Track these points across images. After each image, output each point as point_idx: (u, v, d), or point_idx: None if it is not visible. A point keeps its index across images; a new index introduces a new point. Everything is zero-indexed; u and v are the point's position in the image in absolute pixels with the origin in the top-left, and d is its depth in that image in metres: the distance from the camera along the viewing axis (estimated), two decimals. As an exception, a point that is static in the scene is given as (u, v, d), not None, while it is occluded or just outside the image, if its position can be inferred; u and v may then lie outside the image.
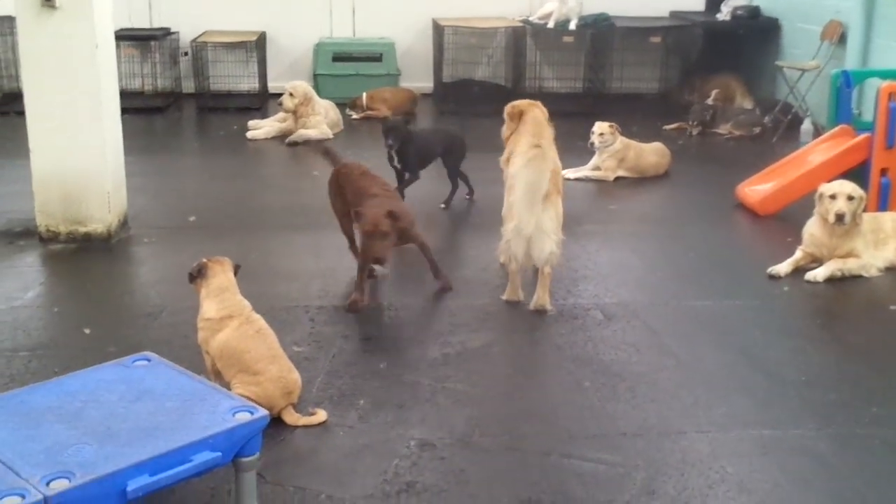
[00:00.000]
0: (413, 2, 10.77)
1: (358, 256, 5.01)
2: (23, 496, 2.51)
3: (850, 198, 5.42)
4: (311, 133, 8.69)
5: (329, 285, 5.13)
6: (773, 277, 5.42)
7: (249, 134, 8.85)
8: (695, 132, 9.21)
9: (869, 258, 5.50)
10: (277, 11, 10.66)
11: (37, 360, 4.23)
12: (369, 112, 9.72)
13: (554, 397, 4.06)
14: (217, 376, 3.69)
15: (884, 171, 6.32)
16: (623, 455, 3.54)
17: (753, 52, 10.40)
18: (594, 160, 7.63)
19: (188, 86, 10.36)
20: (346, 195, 5.15)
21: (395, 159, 6.46)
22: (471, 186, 6.77)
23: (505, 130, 5.45)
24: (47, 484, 2.57)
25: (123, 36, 9.34)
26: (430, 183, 6.76)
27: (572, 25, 10.02)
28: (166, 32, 10.33)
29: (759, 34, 10.33)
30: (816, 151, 6.98)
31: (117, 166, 6.02)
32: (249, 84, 10.38)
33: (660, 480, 3.38)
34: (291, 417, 3.68)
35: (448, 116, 9.70)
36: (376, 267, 5.06)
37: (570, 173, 7.36)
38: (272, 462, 3.39)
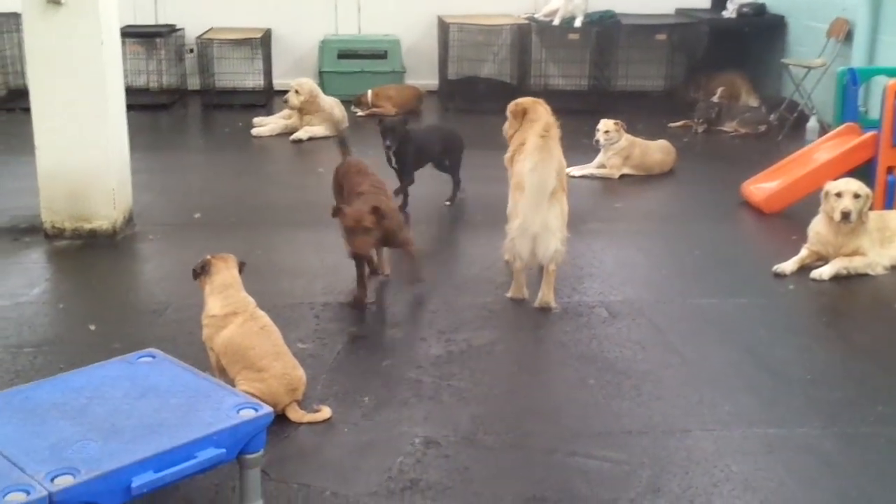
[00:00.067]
0: (418, -1, 10.78)
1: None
2: (27, 492, 2.52)
3: (857, 196, 5.40)
4: (316, 130, 8.70)
5: (333, 282, 5.13)
6: (778, 275, 5.40)
7: (254, 131, 8.86)
8: (700, 130, 9.19)
9: (875, 256, 5.49)
10: (283, 8, 10.66)
11: (42, 356, 4.24)
12: (374, 109, 9.71)
13: (558, 395, 4.06)
14: (222, 373, 3.69)
15: (890, 169, 6.31)
16: (628, 453, 3.53)
17: (759, 49, 10.38)
18: (599, 158, 7.62)
19: (193, 83, 10.37)
20: (343, 192, 5.16)
21: (394, 160, 6.36)
22: (455, 192, 6.66)
23: (507, 128, 5.45)
24: (52, 480, 2.58)
25: (129, 33, 9.35)
26: (433, 182, 6.74)
27: (578, 23, 10.02)
28: (172, 29, 10.33)
29: (764, 32, 10.31)
30: (822, 149, 6.97)
31: (122, 163, 6.03)
32: (254, 81, 10.39)
33: (665, 478, 3.37)
34: (296, 414, 3.68)
35: (453, 113, 9.69)
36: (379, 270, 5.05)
37: (576, 171, 7.35)
38: (276, 459, 3.39)
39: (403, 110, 9.65)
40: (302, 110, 8.78)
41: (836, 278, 5.36)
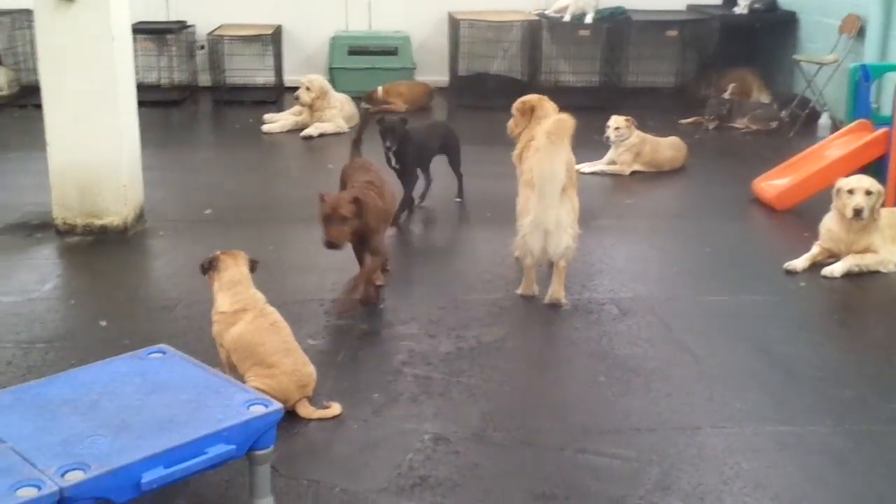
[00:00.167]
0: (429, -4, 10.78)
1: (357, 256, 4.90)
2: (38, 487, 2.52)
3: (869, 193, 5.38)
4: (327, 126, 8.71)
5: (344, 279, 5.13)
6: (789, 273, 5.38)
7: (265, 127, 8.86)
8: (711, 126, 9.16)
9: (887, 254, 5.46)
10: (293, 5, 10.66)
11: (53, 351, 4.26)
12: (385, 106, 9.69)
13: (568, 392, 4.06)
14: (232, 369, 3.70)
15: (902, 166, 6.28)
16: (638, 450, 3.52)
17: (771, 45, 10.34)
18: (610, 154, 7.60)
19: (204, 79, 10.39)
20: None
21: (394, 161, 6.20)
22: (425, 194, 6.51)
23: (512, 125, 5.45)
24: (63, 475, 2.58)
25: (140, 29, 9.34)
26: (440, 179, 6.71)
27: (588, 19, 9.99)
28: (182, 26, 10.35)
29: (776, 28, 10.26)
30: (834, 146, 6.94)
31: (133, 159, 6.04)
32: (265, 77, 10.39)
33: (674, 476, 3.37)
34: (306, 410, 3.68)
35: (464, 110, 9.68)
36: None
37: (586, 167, 7.34)
38: (286, 455, 3.40)
39: (414, 107, 9.66)
40: (312, 107, 8.78)
41: (848, 275, 5.34)
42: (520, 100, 5.43)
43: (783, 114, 9.18)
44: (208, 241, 5.35)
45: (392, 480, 3.31)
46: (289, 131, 8.80)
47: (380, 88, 9.85)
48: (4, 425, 2.84)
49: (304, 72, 9.62)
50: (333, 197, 4.54)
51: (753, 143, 8.71)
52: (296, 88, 8.95)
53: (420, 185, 6.43)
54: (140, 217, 6.06)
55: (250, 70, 10.43)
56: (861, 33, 8.71)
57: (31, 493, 2.50)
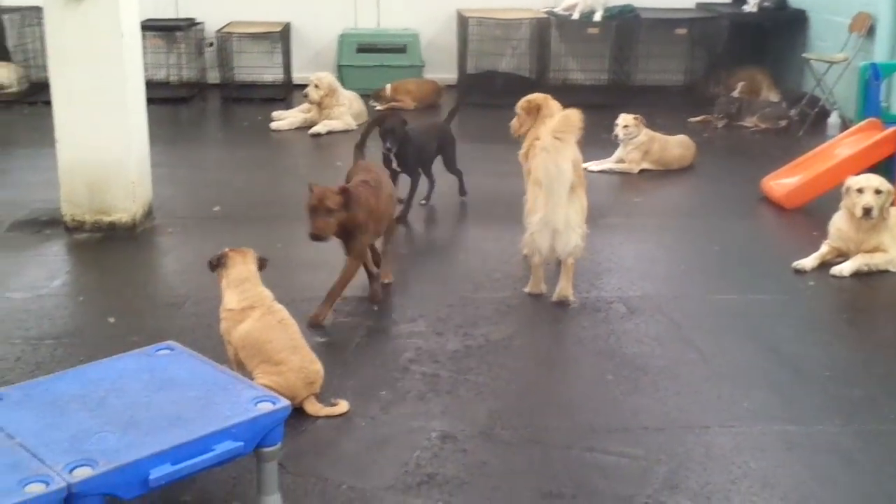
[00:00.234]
0: (437, -7, 10.77)
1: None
2: (47, 483, 2.53)
3: (878, 192, 5.36)
4: (335, 124, 8.72)
5: (352, 276, 5.13)
6: (798, 272, 5.37)
7: (273, 125, 8.87)
8: (720, 125, 9.14)
9: (896, 253, 5.45)
10: (302, 2, 10.66)
11: (62, 348, 4.27)
12: (394, 103, 9.71)
13: (576, 390, 4.05)
14: (240, 366, 3.70)
15: (912, 165, 6.26)
16: (645, 449, 3.52)
17: (780, 44, 10.30)
18: (618, 152, 7.59)
19: (213, 76, 10.40)
20: None
21: (395, 162, 6.13)
22: (430, 195, 6.49)
23: (516, 124, 5.44)
24: (71, 471, 2.59)
25: (149, 26, 9.36)
26: (446, 178, 6.70)
27: (597, 17, 9.97)
28: (191, 23, 10.36)
29: (786, 26, 10.23)
30: (843, 145, 6.92)
31: (142, 156, 6.05)
32: (274, 75, 10.39)
33: (682, 475, 3.36)
34: (313, 408, 3.69)
35: (471, 108, 9.65)
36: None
37: (594, 165, 7.33)
38: (294, 452, 3.40)
39: (423, 104, 9.66)
40: (321, 104, 8.79)
41: (857, 275, 5.32)
42: (524, 99, 5.43)
43: (792, 112, 9.15)
44: (217, 239, 5.36)
45: (399, 478, 3.31)
46: (297, 129, 8.81)
47: (388, 86, 9.85)
48: (13, 421, 2.85)
49: (312, 69, 9.62)
50: (320, 188, 4.46)
51: (762, 142, 8.69)
52: (304, 86, 8.96)
53: (424, 186, 6.42)
54: (149, 214, 6.07)
55: (259, 67, 10.43)
56: (871, 32, 8.67)
57: (39, 488, 2.51)
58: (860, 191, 5.38)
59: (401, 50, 10.51)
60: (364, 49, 10.47)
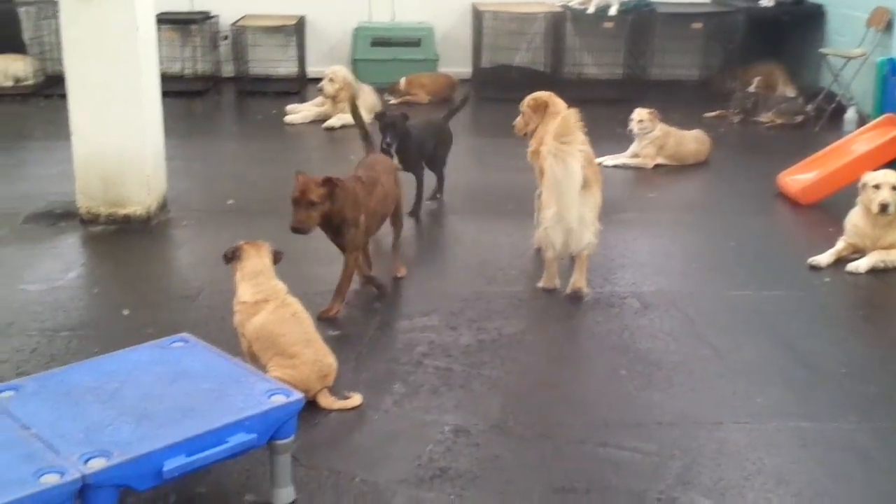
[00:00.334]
0: (452, -13, 10.75)
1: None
2: (61, 474, 2.54)
3: (895, 188, 5.33)
4: (349, 118, 8.70)
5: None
6: (814, 268, 5.34)
7: (287, 118, 8.88)
8: (736, 120, 9.10)
9: (913, 250, 5.41)
10: (317, -4, 10.68)
11: (77, 340, 4.29)
12: (408, 97, 9.71)
13: (589, 385, 4.04)
14: (253, 359, 3.71)
15: (930, 161, 6.22)
16: (659, 444, 3.51)
17: (797, 39, 10.24)
18: (633, 147, 7.56)
19: (228, 70, 10.43)
20: None
21: (395, 158, 5.97)
22: (441, 188, 6.46)
23: (520, 122, 5.43)
24: (85, 462, 2.60)
25: (164, 20, 9.36)
26: (456, 172, 6.69)
27: (613, 11, 9.94)
28: (206, 16, 10.38)
29: (802, 21, 10.17)
30: (860, 140, 6.88)
31: (157, 149, 6.07)
32: (288, 68, 10.42)
33: (696, 470, 3.35)
34: (326, 401, 3.69)
35: (487, 102, 9.64)
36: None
37: (609, 160, 7.32)
38: (307, 445, 3.40)
39: (437, 98, 9.65)
40: (335, 98, 8.79)
41: (873, 271, 5.29)
42: (530, 97, 5.41)
43: (809, 108, 9.10)
44: (231, 231, 5.37)
45: (412, 472, 3.31)
46: (311, 122, 8.82)
47: (402, 80, 9.85)
48: (28, 412, 2.87)
49: (326, 63, 9.63)
50: (304, 178, 4.26)
51: (778, 137, 8.64)
52: (319, 79, 8.97)
53: (431, 183, 6.40)
54: (163, 207, 6.09)
55: (273, 61, 10.45)
56: (889, 27, 8.62)
57: (53, 479, 2.52)
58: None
59: (415, 44, 10.51)
60: (378, 43, 10.47)
